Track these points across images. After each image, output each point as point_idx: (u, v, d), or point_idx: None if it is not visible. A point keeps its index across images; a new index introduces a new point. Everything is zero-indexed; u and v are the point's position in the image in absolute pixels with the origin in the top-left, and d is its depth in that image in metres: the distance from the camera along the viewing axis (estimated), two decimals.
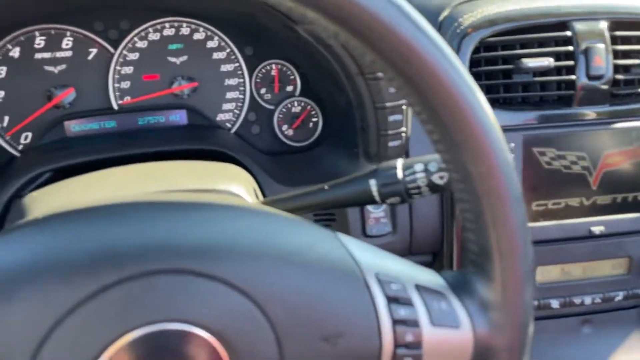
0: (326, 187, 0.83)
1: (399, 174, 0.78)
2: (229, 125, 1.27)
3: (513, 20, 1.11)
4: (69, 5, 1.09)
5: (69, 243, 0.49)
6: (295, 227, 0.54)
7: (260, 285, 0.49)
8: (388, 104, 1.01)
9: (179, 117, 1.21)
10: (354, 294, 0.50)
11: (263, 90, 1.28)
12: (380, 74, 0.97)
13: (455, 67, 0.48)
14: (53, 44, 1.11)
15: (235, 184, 0.85)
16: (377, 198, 0.79)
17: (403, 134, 1.05)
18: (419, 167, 0.73)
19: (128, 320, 0.46)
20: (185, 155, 1.06)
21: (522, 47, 1.13)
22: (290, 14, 0.91)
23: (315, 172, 1.17)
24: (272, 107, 1.28)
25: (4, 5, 0.98)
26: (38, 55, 1.10)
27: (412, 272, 0.54)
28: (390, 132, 1.03)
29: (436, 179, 0.71)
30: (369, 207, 1.12)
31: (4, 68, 1.09)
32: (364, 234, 1.11)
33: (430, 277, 0.54)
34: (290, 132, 1.29)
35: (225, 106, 1.26)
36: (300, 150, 1.30)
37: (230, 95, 1.26)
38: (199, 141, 1.12)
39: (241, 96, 1.26)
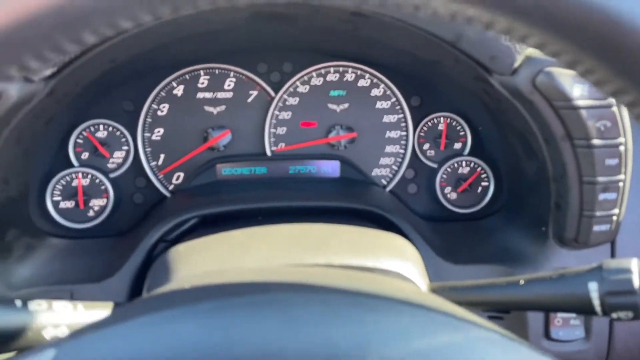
0: (522, 281, 0.65)
1: (636, 281, 0.58)
2: (384, 182, 1.13)
3: None
4: (235, 46, 1.04)
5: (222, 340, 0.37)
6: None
7: None
8: (600, 179, 0.80)
9: (332, 169, 1.10)
10: None
11: (426, 146, 1.13)
12: (596, 141, 0.77)
13: None
14: (216, 84, 1.07)
15: (404, 263, 0.70)
16: (598, 309, 0.59)
17: (614, 217, 0.83)
18: None
19: None
20: (336, 212, 0.94)
21: None
22: (489, 63, 0.76)
23: (487, 248, 0.97)
24: (435, 165, 1.12)
25: (177, 43, 0.95)
26: (200, 95, 1.07)
27: None
28: (597, 213, 0.82)
29: None
30: None
31: (167, 105, 1.06)
32: (547, 337, 0.88)
33: None
34: (453, 196, 1.12)
35: (383, 161, 1.12)
36: (463, 219, 1.11)
37: (389, 149, 1.12)
38: (353, 199, 0.99)
39: (401, 151, 1.12)
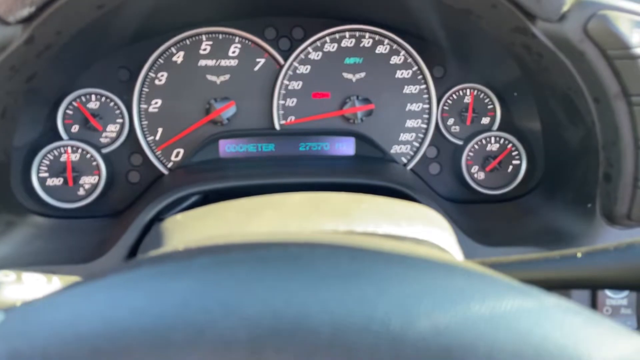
0: (579, 254, 0.54)
1: None
2: (404, 160, 1.02)
3: None
4: (240, 8, 0.94)
5: (219, 306, 0.28)
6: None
7: None
8: None
9: (346, 145, 1.00)
10: None
11: (451, 121, 1.02)
12: None
13: None
14: (219, 50, 0.97)
15: (439, 233, 0.59)
16: None
17: None
18: None
19: None
20: (352, 190, 0.83)
21: None
22: (534, 6, 0.65)
23: (523, 230, 0.86)
24: (460, 142, 1.02)
25: (177, 2, 0.85)
26: (202, 62, 0.97)
27: None
28: None
29: None
30: (607, 291, 0.78)
31: (165, 74, 0.96)
32: None
33: None
34: (481, 176, 1.01)
35: (403, 137, 1.02)
36: (493, 200, 1.00)
37: (410, 123, 1.02)
38: (371, 175, 0.88)
39: (423, 126, 1.02)
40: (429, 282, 0.32)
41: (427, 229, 0.58)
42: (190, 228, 0.58)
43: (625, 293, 0.79)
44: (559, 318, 0.31)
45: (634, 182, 0.72)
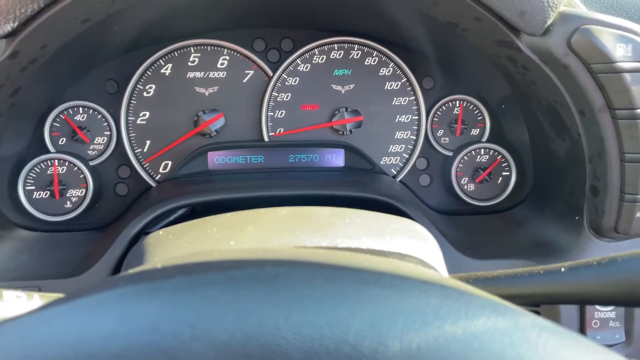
0: (563, 268, 0.54)
1: None
2: (393, 171, 1.02)
3: None
4: (229, 20, 0.94)
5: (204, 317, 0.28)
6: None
7: None
8: None
9: (335, 157, 1.00)
10: None
11: (440, 132, 1.02)
12: None
13: None
14: (208, 62, 0.97)
15: (423, 248, 0.59)
16: None
17: None
18: None
19: None
20: (341, 202, 0.83)
21: None
22: (517, 20, 0.65)
23: (511, 242, 0.86)
24: (449, 153, 1.02)
25: (165, 16, 0.85)
26: (190, 74, 0.97)
27: None
28: None
29: None
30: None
31: (153, 86, 0.96)
32: None
33: None
34: (471, 187, 1.01)
35: (393, 148, 1.02)
36: (483, 212, 1.00)
37: (400, 135, 1.02)
38: (360, 187, 0.88)
39: (413, 137, 1.02)
40: (403, 302, 0.32)
41: (412, 243, 0.58)
42: (171, 244, 0.58)
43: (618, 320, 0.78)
44: (534, 338, 0.30)
45: (620, 195, 0.72)
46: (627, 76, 0.66)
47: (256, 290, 0.32)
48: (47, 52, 0.70)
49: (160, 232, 0.63)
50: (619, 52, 0.66)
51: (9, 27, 0.61)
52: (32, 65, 0.70)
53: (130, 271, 0.37)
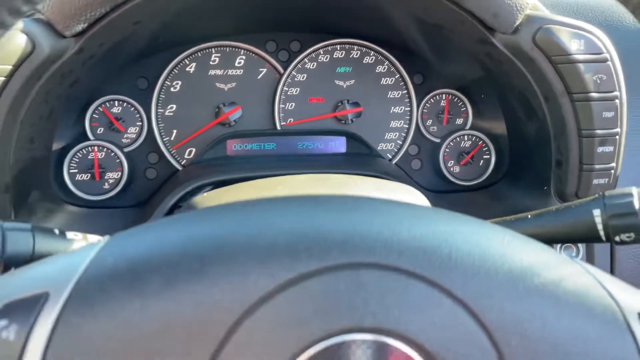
0: (529, 216, 0.68)
1: (636, 202, 0.61)
2: (389, 155, 1.17)
3: None
4: (245, 25, 1.09)
5: (265, 226, 0.40)
6: (535, 251, 0.42)
7: (492, 308, 0.37)
8: (598, 131, 0.84)
9: (338, 144, 1.14)
10: (614, 337, 0.38)
11: (429, 122, 1.17)
12: (593, 94, 0.82)
13: None
14: (227, 61, 1.11)
15: (418, 200, 0.73)
16: (602, 233, 0.62)
17: (612, 171, 0.87)
18: None
19: (331, 321, 0.35)
20: None
21: None
22: (492, 21, 0.81)
23: (492, 213, 1.01)
24: (437, 140, 1.17)
25: (190, 21, 0.99)
26: (212, 72, 1.11)
27: None
28: (596, 166, 0.86)
29: None
30: (562, 253, 0.93)
31: (179, 82, 1.10)
32: None
33: None
34: (457, 169, 1.16)
35: (388, 135, 1.17)
36: (467, 190, 1.15)
37: (394, 124, 1.17)
38: (361, 167, 1.02)
39: (406, 126, 1.17)
40: (408, 212, 0.45)
41: (409, 198, 0.72)
42: (217, 199, 0.71)
43: (580, 255, 0.93)
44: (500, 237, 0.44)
45: (580, 166, 0.87)
46: (581, 66, 0.82)
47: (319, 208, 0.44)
48: (102, 49, 0.84)
49: (204, 194, 0.77)
50: (574, 46, 0.81)
51: (79, 28, 0.75)
52: (89, 61, 0.84)
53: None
